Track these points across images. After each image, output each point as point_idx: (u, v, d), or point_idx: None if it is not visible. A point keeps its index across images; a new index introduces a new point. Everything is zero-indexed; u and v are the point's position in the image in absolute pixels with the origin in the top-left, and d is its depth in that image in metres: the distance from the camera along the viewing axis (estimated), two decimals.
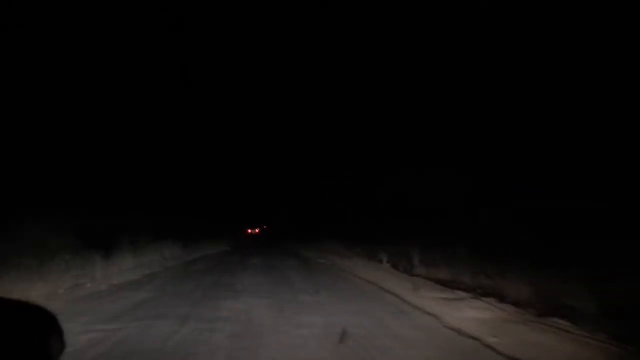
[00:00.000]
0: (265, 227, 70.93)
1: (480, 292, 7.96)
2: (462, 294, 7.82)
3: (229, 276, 10.98)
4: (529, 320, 5.81)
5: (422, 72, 21.67)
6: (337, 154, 32.30)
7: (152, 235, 19.18)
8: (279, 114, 42.45)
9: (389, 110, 25.38)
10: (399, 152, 24.08)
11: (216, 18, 32.59)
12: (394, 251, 13.62)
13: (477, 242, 12.38)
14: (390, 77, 25.03)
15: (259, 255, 18.71)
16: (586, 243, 8.91)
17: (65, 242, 10.73)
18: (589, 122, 13.41)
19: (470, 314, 6.24)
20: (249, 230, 63.12)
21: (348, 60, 32.10)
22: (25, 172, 14.36)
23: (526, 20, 15.28)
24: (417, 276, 10.84)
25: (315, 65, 36.03)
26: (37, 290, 7.27)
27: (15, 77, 14.98)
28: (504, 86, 16.43)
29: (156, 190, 29.59)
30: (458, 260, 11.24)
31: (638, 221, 9.13)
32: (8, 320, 1.74)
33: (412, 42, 22.14)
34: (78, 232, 12.51)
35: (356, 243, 20.34)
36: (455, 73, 19.52)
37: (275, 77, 42.85)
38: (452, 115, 19.76)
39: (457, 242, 12.68)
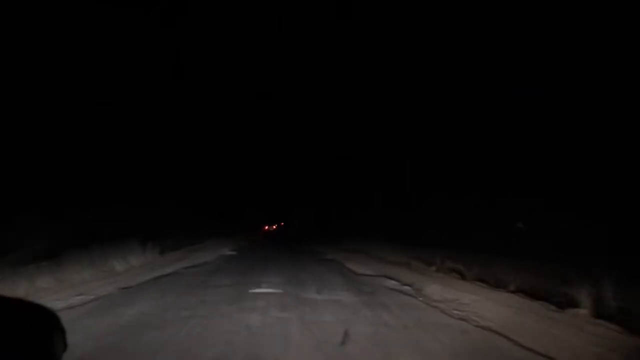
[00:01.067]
0: (282, 223, 65.86)
1: None
2: None
3: None
4: None
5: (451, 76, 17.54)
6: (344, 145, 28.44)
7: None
8: (282, 114, 40.07)
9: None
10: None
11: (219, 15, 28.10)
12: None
13: None
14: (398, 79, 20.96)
15: (275, 271, 10.72)
16: None
17: None
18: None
19: None
20: (266, 227, 57.84)
21: (342, 51, 28.62)
22: None
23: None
24: None
25: (317, 63, 33.87)
26: None
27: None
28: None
29: (154, 183, 24.20)
30: None
31: None
32: (12, 319, 1.67)
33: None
34: None
35: (419, 249, 12.25)
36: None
37: (280, 73, 40.57)
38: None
39: None
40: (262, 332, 4.80)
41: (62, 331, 1.88)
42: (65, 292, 7.19)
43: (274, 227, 62.17)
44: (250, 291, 7.56)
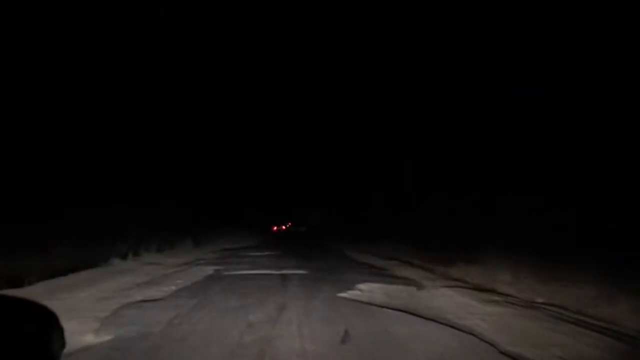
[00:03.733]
0: (289, 223, 59.65)
1: None
2: None
3: None
4: None
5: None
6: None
7: None
8: (282, 114, 39.98)
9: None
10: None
11: (219, 15, 29.07)
12: None
13: None
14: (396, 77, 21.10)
15: None
16: None
17: None
18: None
19: None
20: (274, 228, 51.97)
21: (342, 51, 28.48)
22: None
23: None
24: None
25: (317, 63, 33.23)
26: None
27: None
28: None
29: (154, 183, 23.83)
30: None
31: None
32: (10, 317, 1.64)
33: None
34: None
35: None
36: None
37: (280, 73, 39.87)
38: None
39: None
40: None
41: (60, 329, 1.85)
42: None
43: (283, 227, 57.05)
44: None
